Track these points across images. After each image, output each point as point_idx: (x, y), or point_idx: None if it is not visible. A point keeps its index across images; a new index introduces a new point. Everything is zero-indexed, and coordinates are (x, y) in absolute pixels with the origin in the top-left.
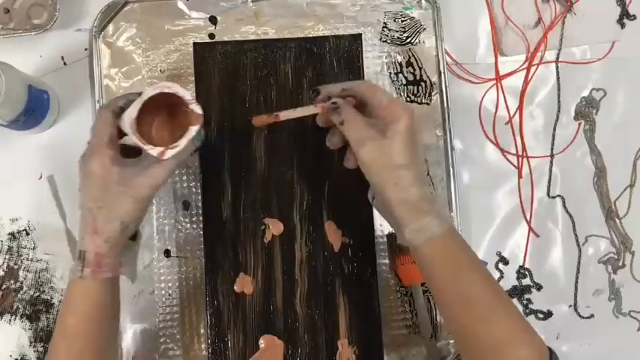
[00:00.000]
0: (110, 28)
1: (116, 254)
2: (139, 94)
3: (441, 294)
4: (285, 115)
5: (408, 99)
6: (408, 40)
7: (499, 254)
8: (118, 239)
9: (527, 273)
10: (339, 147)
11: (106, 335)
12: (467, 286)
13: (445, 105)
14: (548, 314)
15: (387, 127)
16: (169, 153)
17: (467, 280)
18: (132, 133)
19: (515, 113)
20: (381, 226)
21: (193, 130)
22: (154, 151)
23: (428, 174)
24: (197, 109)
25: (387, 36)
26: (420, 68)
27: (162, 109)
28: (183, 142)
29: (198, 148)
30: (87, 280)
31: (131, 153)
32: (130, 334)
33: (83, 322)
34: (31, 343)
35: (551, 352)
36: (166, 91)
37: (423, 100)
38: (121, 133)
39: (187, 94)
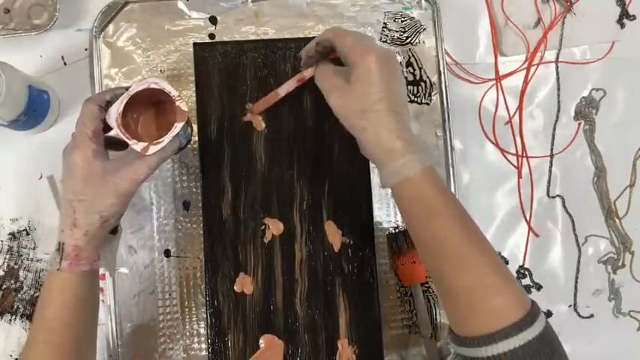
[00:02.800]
0: (110, 28)
1: (94, 248)
2: (127, 88)
3: (415, 237)
4: (284, 89)
5: (408, 99)
6: (408, 40)
7: (499, 254)
8: (97, 233)
9: (527, 273)
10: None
11: (86, 328)
12: (438, 230)
13: (445, 105)
14: (547, 314)
15: (350, 72)
16: (153, 149)
17: (438, 224)
18: (117, 126)
19: (515, 113)
20: (381, 225)
21: (178, 126)
22: (137, 146)
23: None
24: (182, 105)
25: (387, 36)
26: (420, 68)
27: (150, 106)
28: (167, 139)
29: (183, 146)
30: (64, 273)
31: (116, 147)
32: (130, 334)
33: (62, 313)
34: None
35: (533, 305)
36: (153, 86)
37: (423, 100)
38: (107, 127)
39: (173, 90)
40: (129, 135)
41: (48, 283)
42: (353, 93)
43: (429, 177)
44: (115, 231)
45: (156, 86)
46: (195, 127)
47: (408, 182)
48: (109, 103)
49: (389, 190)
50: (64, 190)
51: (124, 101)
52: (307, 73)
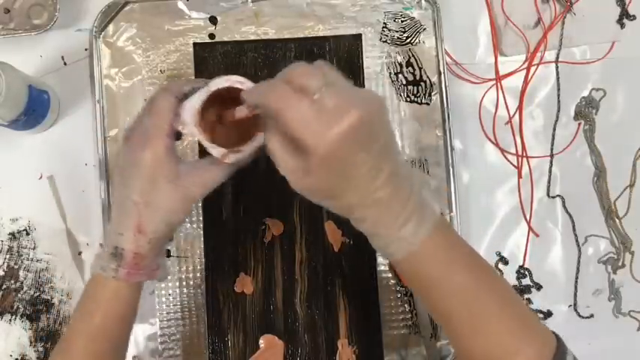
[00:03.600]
0: (110, 28)
1: (155, 256)
2: (205, 82)
3: (424, 305)
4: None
5: (408, 99)
6: (408, 40)
7: (499, 254)
8: (161, 241)
9: (526, 273)
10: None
11: (127, 337)
12: (442, 300)
13: (445, 105)
14: (547, 314)
15: (308, 159)
16: (232, 157)
17: (440, 294)
18: (193, 125)
19: (515, 113)
20: None
21: (259, 138)
22: (216, 151)
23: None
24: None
25: (387, 36)
26: (420, 68)
27: (221, 103)
28: (249, 149)
29: (258, 157)
30: (119, 281)
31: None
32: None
33: (110, 323)
34: (31, 343)
35: (558, 340)
36: (238, 86)
37: (423, 100)
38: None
39: None
40: (206, 136)
41: (95, 289)
42: (320, 184)
43: (426, 247)
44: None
45: (240, 86)
46: None
47: (405, 259)
48: (186, 96)
49: None
50: (126, 188)
51: (204, 97)
52: (242, 113)
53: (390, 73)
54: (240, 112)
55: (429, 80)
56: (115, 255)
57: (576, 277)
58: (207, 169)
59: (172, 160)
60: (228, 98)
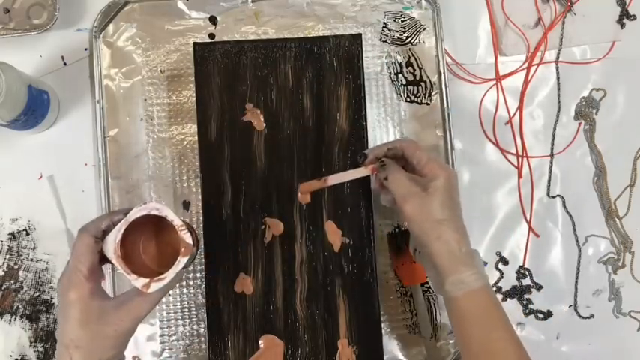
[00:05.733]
0: (110, 28)
1: None
2: (124, 213)
3: (468, 345)
4: (335, 179)
5: (408, 99)
6: (408, 40)
7: (499, 254)
8: None
9: (527, 273)
10: (393, 205)
11: None
12: (495, 342)
13: (445, 105)
14: (548, 314)
15: (427, 183)
16: (155, 286)
17: (495, 337)
18: (115, 259)
19: (515, 113)
20: (381, 226)
21: (182, 261)
22: (137, 282)
23: None
24: (187, 237)
25: (387, 36)
26: (420, 68)
27: (149, 225)
28: (170, 275)
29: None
30: None
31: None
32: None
33: None
34: (31, 343)
35: None
36: (154, 213)
37: (423, 100)
38: (104, 257)
39: (177, 218)
40: (128, 267)
41: None
42: (431, 203)
43: (489, 290)
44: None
45: (157, 213)
46: (194, 127)
47: (472, 293)
48: (105, 232)
49: None
50: (60, 331)
51: (122, 229)
52: (365, 171)
53: (390, 73)
54: (305, 188)
55: (429, 80)
56: None
57: (576, 277)
58: (133, 303)
59: (97, 299)
60: (151, 221)
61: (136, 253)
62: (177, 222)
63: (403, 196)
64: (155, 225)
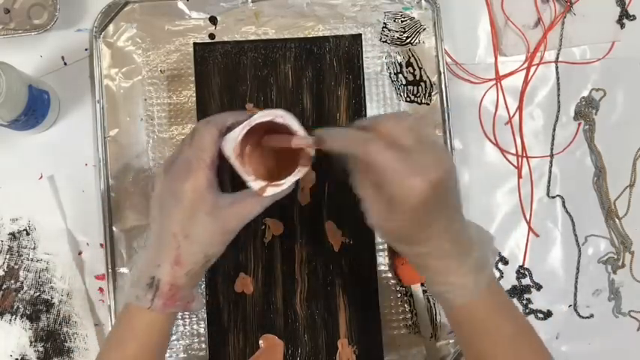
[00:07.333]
0: (110, 28)
1: (191, 288)
2: (247, 115)
3: (473, 356)
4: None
5: (408, 99)
6: (408, 40)
7: (499, 254)
8: (199, 273)
9: (526, 273)
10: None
11: None
12: (494, 350)
13: (445, 105)
14: (547, 314)
15: (393, 197)
16: (271, 190)
17: (494, 343)
18: (234, 158)
19: (515, 113)
20: None
21: (302, 171)
22: (255, 184)
23: None
24: (310, 150)
25: (387, 36)
26: (420, 68)
27: (259, 134)
28: (288, 182)
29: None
30: (154, 312)
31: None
32: None
33: (145, 353)
34: (31, 343)
35: None
36: (279, 120)
37: (423, 100)
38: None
39: (301, 129)
40: (246, 169)
41: (130, 318)
42: (405, 221)
43: (483, 297)
44: None
45: (281, 120)
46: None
47: (464, 306)
48: (228, 129)
49: None
50: (165, 219)
51: (245, 130)
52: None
53: (390, 73)
54: (298, 141)
55: (429, 80)
56: (151, 286)
57: (576, 277)
58: (245, 202)
59: (212, 193)
60: (266, 131)
61: (247, 159)
62: (301, 132)
63: (370, 217)
64: (261, 136)
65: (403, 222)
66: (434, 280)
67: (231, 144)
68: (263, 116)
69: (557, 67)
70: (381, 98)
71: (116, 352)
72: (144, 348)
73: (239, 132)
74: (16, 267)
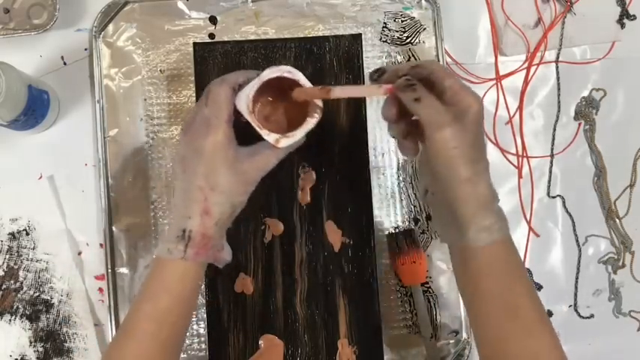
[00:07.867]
0: (110, 28)
1: (221, 237)
2: (256, 73)
3: (486, 301)
4: (340, 92)
5: None
6: (408, 40)
7: None
8: (227, 223)
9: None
10: (404, 137)
11: (190, 320)
12: (517, 296)
13: None
14: (548, 314)
15: (461, 114)
16: (284, 142)
17: (519, 291)
18: (248, 113)
19: (515, 113)
20: (381, 225)
21: (311, 122)
22: (269, 137)
23: None
24: (319, 101)
25: (387, 36)
26: None
27: (272, 93)
28: (300, 133)
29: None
30: (187, 262)
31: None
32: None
33: (178, 305)
34: (31, 343)
35: None
36: (287, 75)
37: None
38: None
39: (308, 82)
40: (260, 123)
41: (162, 272)
42: (466, 138)
43: (511, 240)
44: None
45: (289, 75)
46: None
47: (496, 243)
48: (240, 87)
49: (389, 190)
50: (190, 175)
51: (257, 87)
52: (378, 90)
53: None
54: (300, 93)
55: None
56: (183, 237)
57: (576, 277)
58: (262, 154)
59: (232, 147)
60: (276, 87)
61: (260, 114)
62: (308, 85)
63: (437, 123)
64: (275, 94)
65: (472, 133)
66: (463, 217)
67: (244, 100)
68: (272, 72)
69: (557, 67)
70: (381, 98)
71: (148, 304)
72: (176, 300)
73: (251, 88)
74: (16, 267)
